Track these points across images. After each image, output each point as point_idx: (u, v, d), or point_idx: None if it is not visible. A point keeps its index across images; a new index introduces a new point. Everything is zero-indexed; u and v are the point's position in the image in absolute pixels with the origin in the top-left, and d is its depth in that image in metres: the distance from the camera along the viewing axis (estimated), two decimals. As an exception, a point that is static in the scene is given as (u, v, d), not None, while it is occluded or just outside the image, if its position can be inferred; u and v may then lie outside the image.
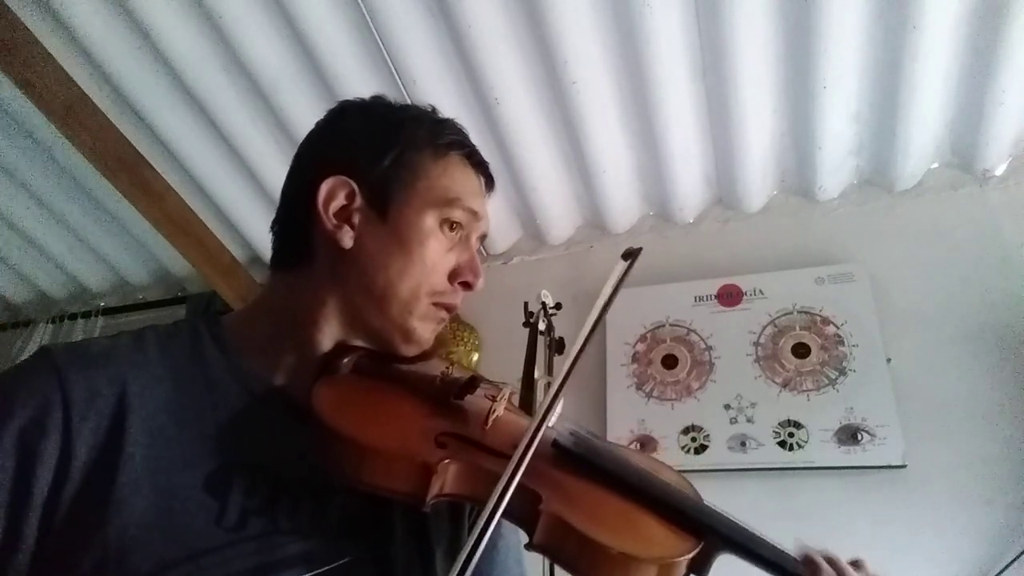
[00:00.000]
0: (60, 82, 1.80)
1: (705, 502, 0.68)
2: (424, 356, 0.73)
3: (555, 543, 0.57)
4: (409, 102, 1.73)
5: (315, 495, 0.63)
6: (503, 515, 0.54)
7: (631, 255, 0.68)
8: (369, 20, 1.65)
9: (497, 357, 2.14)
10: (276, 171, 2.03)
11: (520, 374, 1.52)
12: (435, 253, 0.69)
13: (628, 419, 1.93)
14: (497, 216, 2.23)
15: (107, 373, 0.61)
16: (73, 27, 1.71)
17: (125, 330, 0.68)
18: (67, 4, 1.67)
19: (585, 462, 0.66)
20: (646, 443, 1.88)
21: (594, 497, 0.62)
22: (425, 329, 0.71)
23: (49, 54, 1.76)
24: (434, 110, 0.78)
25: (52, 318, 2.87)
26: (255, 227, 2.28)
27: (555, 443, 0.67)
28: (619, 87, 1.79)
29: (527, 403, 1.45)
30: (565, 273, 2.24)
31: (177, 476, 0.58)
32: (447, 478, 0.59)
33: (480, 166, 0.76)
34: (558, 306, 1.69)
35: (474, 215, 0.72)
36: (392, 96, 0.77)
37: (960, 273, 1.81)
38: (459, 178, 0.72)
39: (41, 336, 2.83)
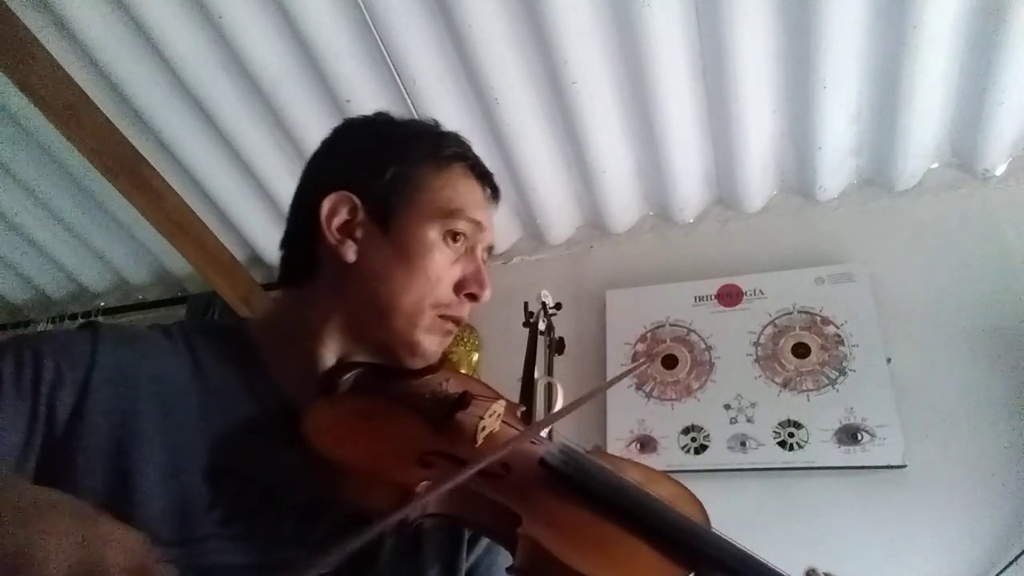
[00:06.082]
0: (60, 82, 1.79)
1: (703, 524, 0.63)
2: (430, 370, 0.73)
3: (533, 569, 0.55)
4: (410, 102, 1.76)
5: (302, 509, 0.63)
6: (490, 536, 0.52)
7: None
8: (369, 20, 1.65)
9: (497, 357, 2.14)
10: (276, 171, 2.02)
11: (520, 374, 1.52)
12: (439, 265, 0.70)
13: (628, 419, 1.93)
14: (497, 216, 2.22)
15: (135, 350, 0.64)
16: (73, 27, 1.71)
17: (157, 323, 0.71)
18: (67, 4, 1.67)
19: (573, 482, 0.62)
20: (646, 443, 1.88)
21: (579, 520, 0.59)
22: (431, 342, 0.71)
23: (49, 54, 1.76)
24: (437, 124, 0.78)
25: (52, 318, 2.86)
26: (255, 227, 2.27)
27: (542, 461, 0.64)
28: (619, 87, 1.78)
29: (527, 403, 1.45)
30: (565, 273, 2.24)
31: (183, 461, 0.60)
32: (431, 497, 0.58)
33: (484, 177, 0.77)
34: (558, 306, 1.70)
35: (478, 226, 0.73)
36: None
37: (960, 273, 1.81)
38: (462, 189, 0.73)
39: (41, 336, 2.83)
